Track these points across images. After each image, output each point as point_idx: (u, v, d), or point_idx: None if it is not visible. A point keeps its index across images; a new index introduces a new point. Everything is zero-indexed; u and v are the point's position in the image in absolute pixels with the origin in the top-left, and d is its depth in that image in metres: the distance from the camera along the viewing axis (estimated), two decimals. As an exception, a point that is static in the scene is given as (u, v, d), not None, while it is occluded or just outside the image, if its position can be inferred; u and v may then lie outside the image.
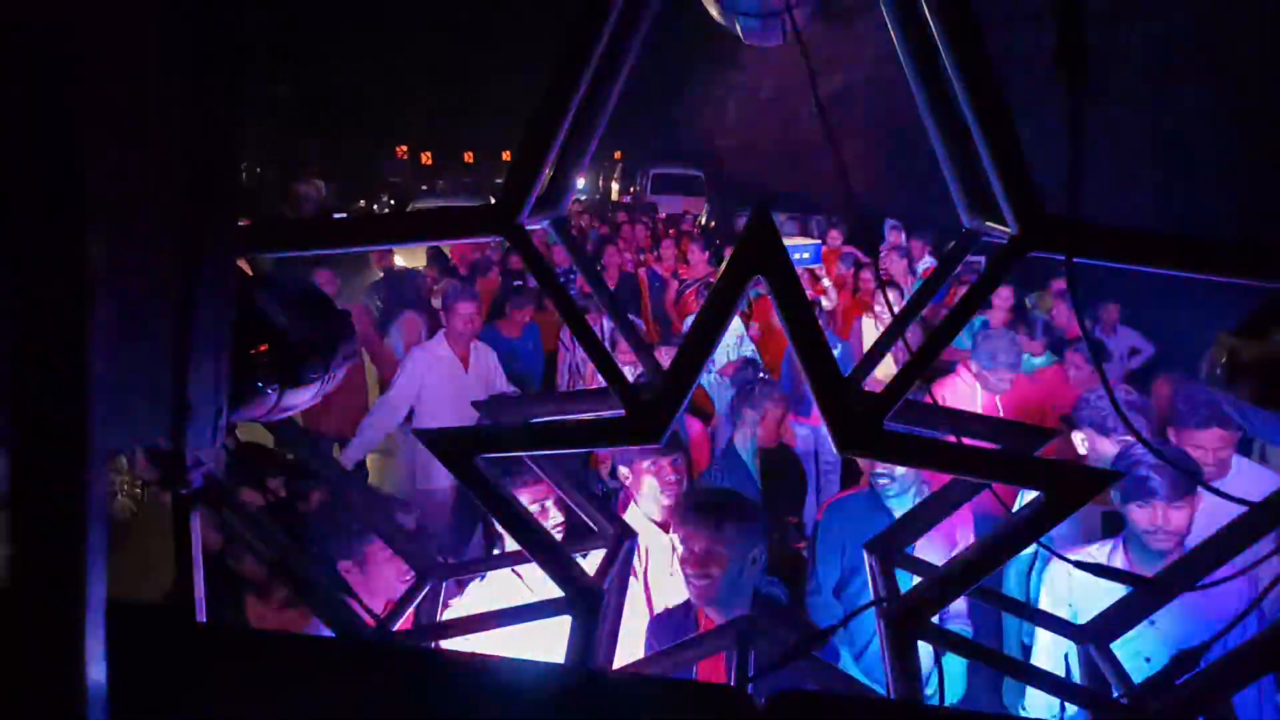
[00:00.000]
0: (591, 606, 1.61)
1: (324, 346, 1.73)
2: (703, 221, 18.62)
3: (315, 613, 1.72)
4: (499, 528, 2.19)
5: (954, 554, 2.46)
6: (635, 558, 2.89)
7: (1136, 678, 1.61)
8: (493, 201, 1.57)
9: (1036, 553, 3.54)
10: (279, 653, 1.44)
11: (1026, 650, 3.54)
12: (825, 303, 7.43)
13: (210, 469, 1.56)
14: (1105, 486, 1.51)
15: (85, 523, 0.73)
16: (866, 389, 1.80)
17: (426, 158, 35.59)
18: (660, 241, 10.88)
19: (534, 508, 2.90)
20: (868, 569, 1.89)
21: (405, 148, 34.09)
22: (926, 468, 1.53)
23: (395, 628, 1.86)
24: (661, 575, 3.23)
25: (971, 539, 3.58)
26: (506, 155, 33.75)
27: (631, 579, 2.86)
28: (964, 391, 5.03)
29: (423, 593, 1.95)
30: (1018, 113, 1.42)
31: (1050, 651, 2.79)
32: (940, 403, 2.25)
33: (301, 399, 1.73)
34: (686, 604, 2.66)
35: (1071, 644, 1.85)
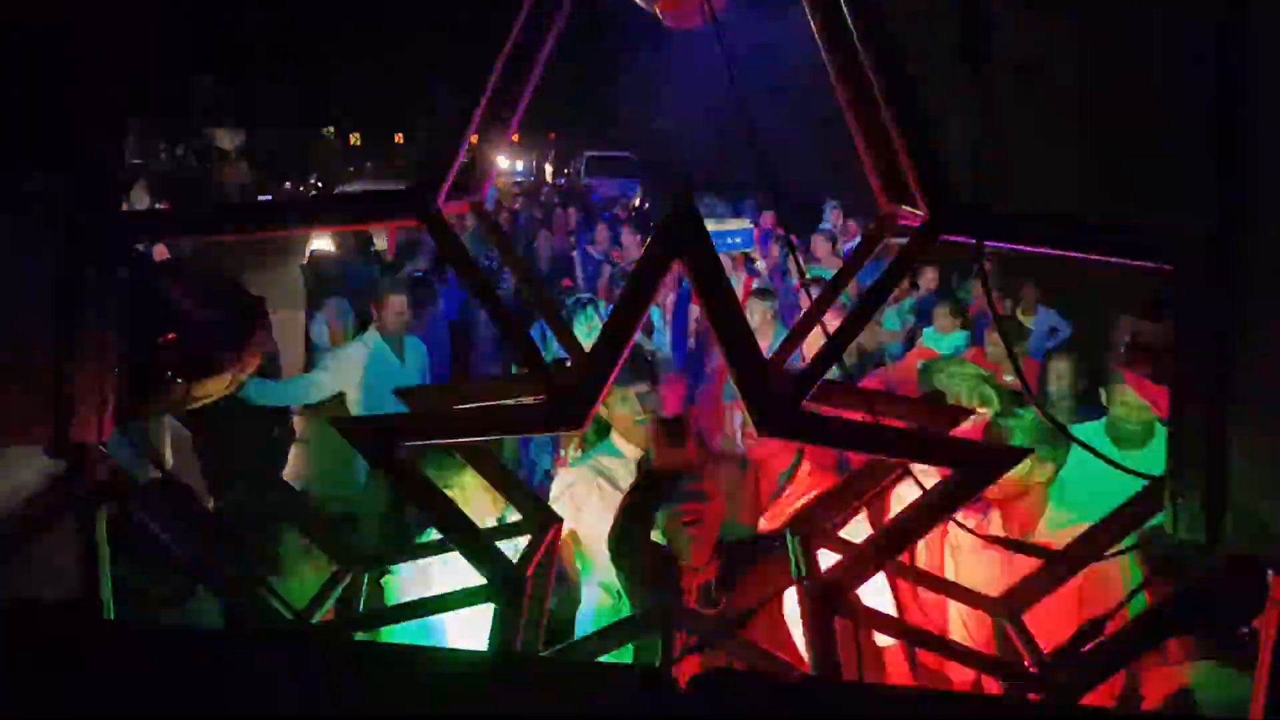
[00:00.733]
0: (515, 593, 1.61)
1: (235, 334, 1.68)
2: (636, 204, 18.60)
3: (233, 606, 1.68)
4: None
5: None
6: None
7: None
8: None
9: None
10: (194, 648, 1.40)
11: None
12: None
13: (116, 465, 1.51)
14: (1016, 463, 1.56)
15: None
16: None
17: (355, 139, 34.76)
18: (594, 225, 10.84)
19: None
20: (790, 548, 1.91)
21: (333, 129, 33.23)
22: (843, 448, 1.55)
23: (316, 620, 1.83)
24: None
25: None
26: (399, 138, 33.21)
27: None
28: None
29: (343, 584, 1.92)
30: (938, 101, 1.46)
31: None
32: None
33: (214, 388, 1.68)
34: None
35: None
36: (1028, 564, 1.89)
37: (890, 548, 1.62)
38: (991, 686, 1.85)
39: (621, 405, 3.06)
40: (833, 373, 1.63)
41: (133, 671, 1.20)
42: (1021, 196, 1.71)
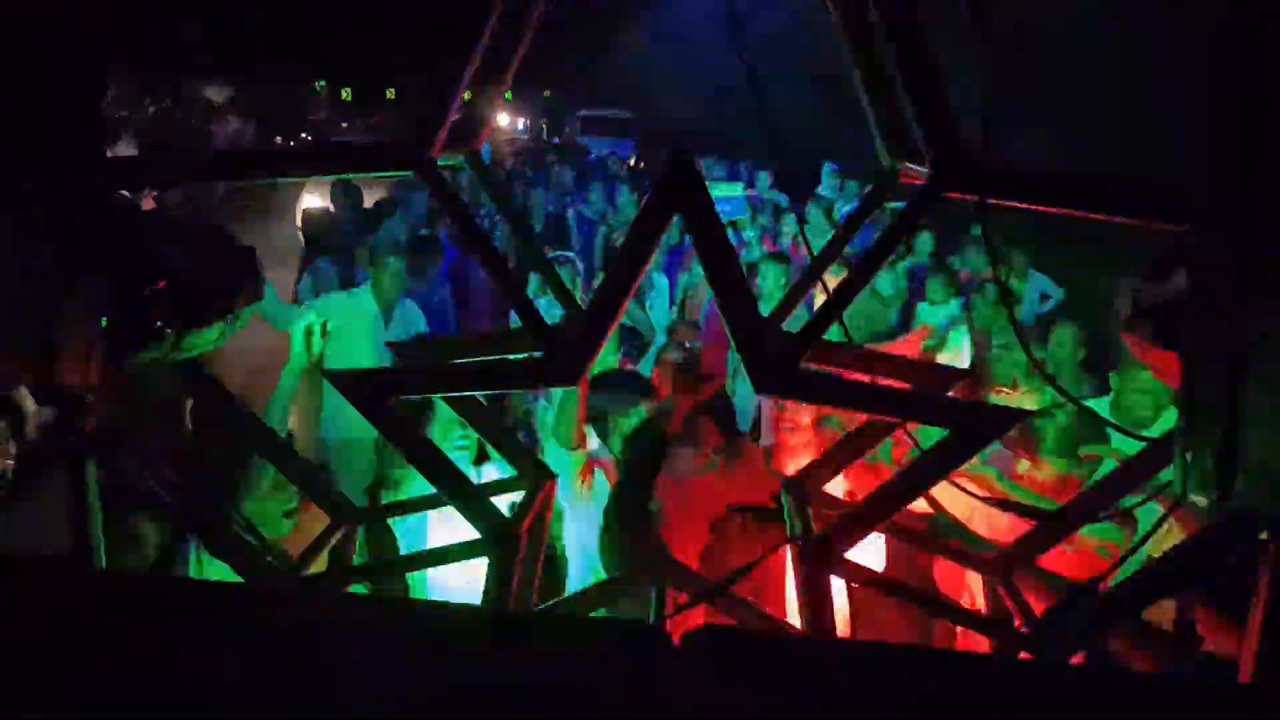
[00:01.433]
0: (508, 548, 1.61)
1: (226, 285, 1.65)
2: (631, 164, 18.45)
3: (224, 558, 1.67)
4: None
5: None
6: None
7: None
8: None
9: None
10: (185, 599, 1.40)
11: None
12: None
13: (104, 415, 1.50)
14: (1012, 425, 1.56)
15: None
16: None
17: (346, 94, 34.23)
18: (589, 185, 10.74)
19: None
20: (784, 506, 1.92)
21: (324, 83, 32.70)
22: (840, 407, 1.55)
23: (308, 572, 1.83)
24: None
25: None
26: (390, 94, 32.63)
27: None
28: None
29: (336, 537, 1.92)
30: (941, 65, 1.43)
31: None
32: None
33: (203, 340, 1.66)
34: None
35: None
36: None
37: (885, 508, 1.62)
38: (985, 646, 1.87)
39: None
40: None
41: (121, 624, 1.20)
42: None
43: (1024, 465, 2.92)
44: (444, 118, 1.46)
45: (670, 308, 6.41)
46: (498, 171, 12.10)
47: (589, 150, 18.71)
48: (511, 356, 1.76)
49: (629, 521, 2.25)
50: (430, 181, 1.49)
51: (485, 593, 1.62)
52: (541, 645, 1.25)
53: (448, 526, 2.26)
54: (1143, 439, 1.51)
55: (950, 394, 1.79)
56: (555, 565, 2.76)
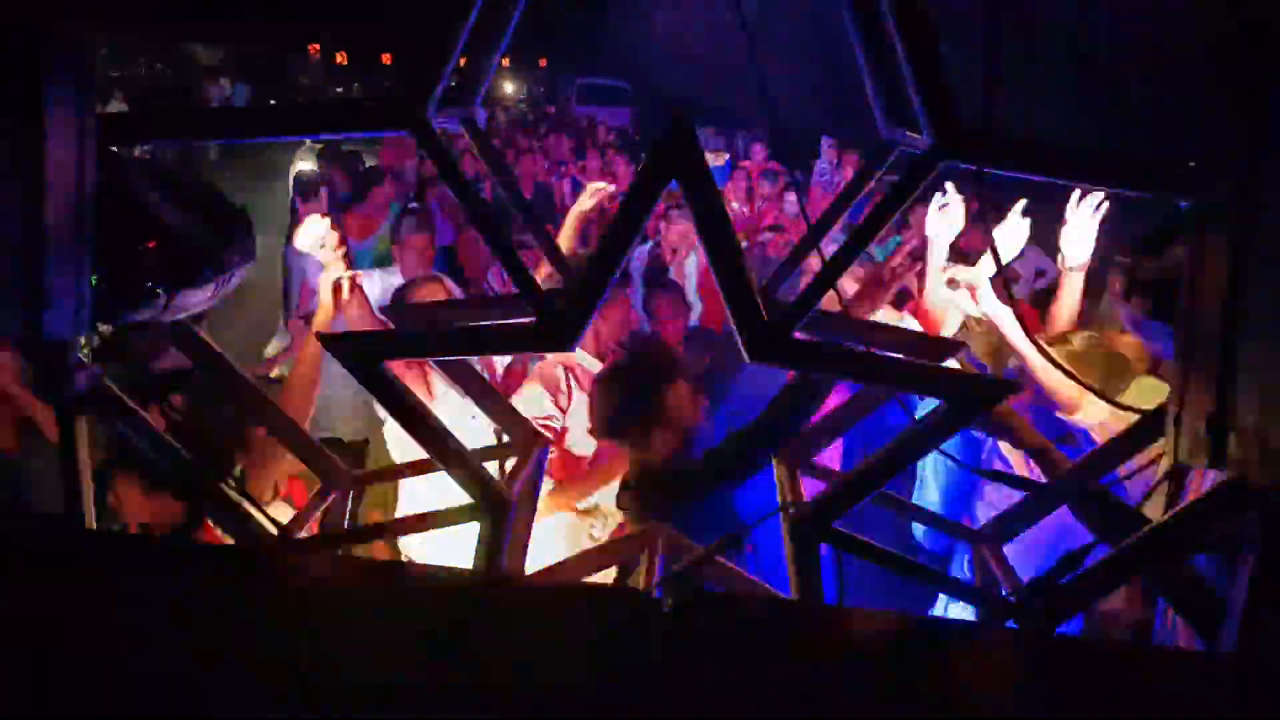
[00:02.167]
0: (500, 513, 1.61)
1: (218, 245, 1.64)
2: (629, 133, 18.34)
3: (215, 521, 1.67)
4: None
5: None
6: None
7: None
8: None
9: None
10: (176, 560, 1.40)
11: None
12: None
13: (96, 373, 1.49)
14: (1007, 395, 1.56)
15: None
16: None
17: (341, 57, 33.75)
18: (585, 153, 10.68)
19: None
20: (775, 476, 1.92)
21: (318, 46, 32.24)
22: (835, 375, 1.54)
23: (299, 536, 1.83)
24: None
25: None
26: (386, 58, 32.05)
27: None
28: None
29: (327, 501, 1.92)
30: (942, 33, 1.41)
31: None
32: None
33: (195, 300, 1.64)
34: None
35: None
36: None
37: (878, 477, 1.62)
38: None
39: None
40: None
41: (108, 584, 1.20)
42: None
43: None
44: (441, 74, 1.44)
45: None
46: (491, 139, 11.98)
47: (584, 119, 18.57)
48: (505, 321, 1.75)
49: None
50: (425, 143, 1.47)
51: (476, 558, 1.63)
52: (533, 610, 1.26)
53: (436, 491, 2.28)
54: (1127, 408, 1.51)
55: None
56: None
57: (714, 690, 1.06)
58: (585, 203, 3.38)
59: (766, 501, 1.88)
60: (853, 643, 1.29)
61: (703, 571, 1.79)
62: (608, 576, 1.98)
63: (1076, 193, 2.62)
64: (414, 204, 6.88)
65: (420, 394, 3.12)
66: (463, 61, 1.60)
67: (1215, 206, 0.95)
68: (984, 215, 1.42)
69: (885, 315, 3.52)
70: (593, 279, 1.51)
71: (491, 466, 1.93)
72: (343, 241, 2.23)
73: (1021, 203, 2.66)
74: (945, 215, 3.04)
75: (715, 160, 8.16)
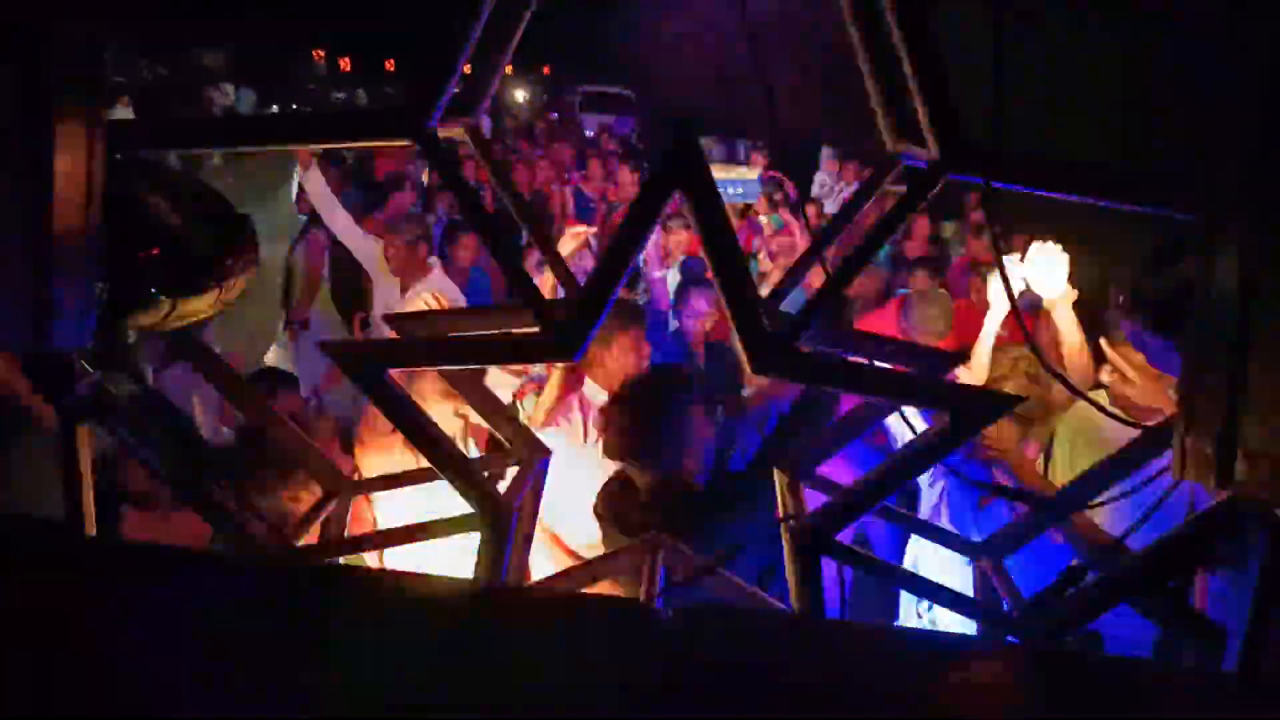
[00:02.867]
0: (501, 523, 1.60)
1: (221, 253, 1.64)
2: (632, 141, 18.37)
3: (215, 529, 1.67)
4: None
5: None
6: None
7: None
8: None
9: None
10: (177, 569, 1.40)
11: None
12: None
13: (97, 379, 1.49)
14: (1011, 409, 1.56)
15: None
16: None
17: (346, 64, 33.79)
18: (587, 161, 10.69)
19: None
20: (776, 488, 1.92)
21: (322, 52, 32.28)
22: (837, 388, 1.54)
23: (300, 544, 1.83)
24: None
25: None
26: (390, 64, 32.09)
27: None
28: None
29: (329, 509, 1.92)
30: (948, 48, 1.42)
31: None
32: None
33: (199, 307, 1.64)
34: None
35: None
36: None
37: (881, 490, 1.62)
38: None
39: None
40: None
41: (111, 591, 1.20)
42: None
43: None
44: (446, 84, 1.45)
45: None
46: (495, 149, 12.00)
47: (594, 127, 18.58)
48: (510, 331, 1.75)
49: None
50: (430, 153, 1.48)
51: (476, 568, 1.62)
52: (534, 621, 1.25)
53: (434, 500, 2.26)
54: (1135, 425, 1.51)
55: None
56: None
57: (716, 704, 1.05)
58: (566, 245, 3.36)
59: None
60: (855, 657, 1.28)
61: (704, 583, 1.79)
62: (609, 587, 1.98)
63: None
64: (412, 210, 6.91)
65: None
66: (467, 69, 1.61)
67: (1224, 222, 0.95)
68: (991, 230, 1.42)
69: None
70: (597, 289, 1.51)
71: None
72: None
73: (1053, 245, 2.64)
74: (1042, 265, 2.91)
75: (740, 175, 8.11)
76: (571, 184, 9.57)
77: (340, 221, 5.36)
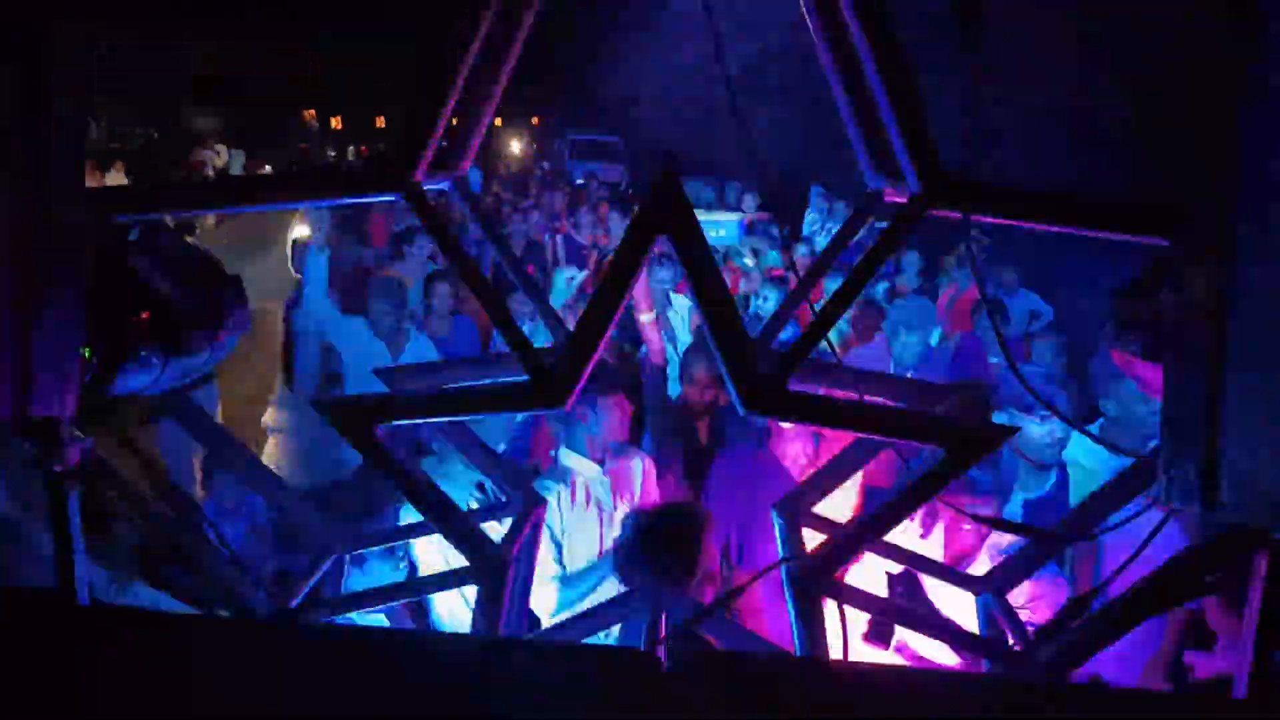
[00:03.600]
0: (498, 575, 1.59)
1: (212, 313, 1.65)
2: (621, 188, 18.55)
3: (207, 592, 1.65)
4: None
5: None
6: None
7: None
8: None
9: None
10: (171, 634, 1.38)
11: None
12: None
13: (88, 445, 1.48)
14: (1003, 441, 1.55)
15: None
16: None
17: (337, 122, 34.23)
18: (578, 210, 10.78)
19: None
20: (775, 528, 1.91)
21: (313, 111, 32.72)
22: (829, 427, 1.54)
23: (294, 604, 1.81)
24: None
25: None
26: (380, 121, 32.55)
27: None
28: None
29: (324, 568, 1.90)
30: (923, 85, 1.44)
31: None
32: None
33: (190, 367, 1.65)
34: None
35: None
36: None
37: (876, 528, 1.61)
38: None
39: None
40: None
41: (108, 659, 1.19)
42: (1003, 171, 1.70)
43: None
44: (429, 138, 1.46)
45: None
46: (484, 198, 12.13)
47: (584, 177, 18.77)
48: (500, 380, 1.75)
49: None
50: (416, 206, 1.49)
51: (474, 620, 1.61)
52: (534, 672, 1.24)
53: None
54: (1130, 454, 1.51)
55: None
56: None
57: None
58: None
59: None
60: (862, 697, 1.27)
61: (703, 628, 1.77)
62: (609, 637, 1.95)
63: None
64: (433, 267, 6.91)
65: None
66: (454, 122, 1.63)
67: (1196, 249, 0.96)
68: (971, 261, 1.43)
69: None
70: (585, 337, 1.51)
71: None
72: None
73: None
74: None
75: (724, 217, 8.20)
76: (562, 232, 9.64)
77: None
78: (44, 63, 0.88)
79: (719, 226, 7.76)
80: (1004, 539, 2.44)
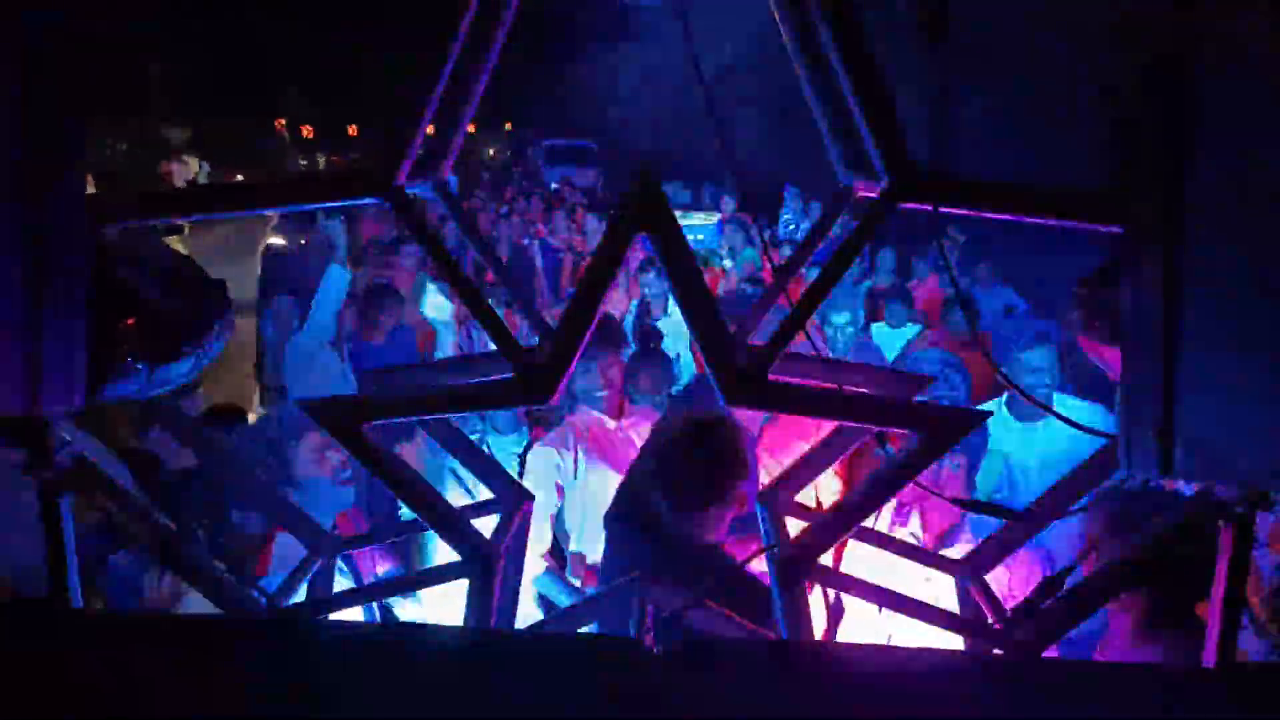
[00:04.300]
0: (488, 568, 1.62)
1: (197, 319, 1.66)
2: (596, 192, 18.59)
3: (202, 592, 1.67)
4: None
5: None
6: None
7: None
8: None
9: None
10: (166, 635, 1.40)
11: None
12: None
13: (78, 450, 1.49)
14: (977, 425, 1.60)
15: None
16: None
17: (308, 131, 34.01)
18: (553, 213, 10.81)
19: None
20: (759, 518, 1.95)
21: (283, 120, 32.51)
22: (809, 415, 1.58)
23: (288, 603, 1.82)
24: None
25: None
26: (353, 130, 32.49)
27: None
28: None
29: (315, 567, 1.91)
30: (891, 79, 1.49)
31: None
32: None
33: (175, 374, 1.66)
34: None
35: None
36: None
37: (856, 513, 1.66)
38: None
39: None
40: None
41: (106, 662, 1.20)
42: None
43: None
44: (411, 141, 1.49)
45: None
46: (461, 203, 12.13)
47: (558, 182, 18.79)
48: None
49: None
50: (399, 210, 1.52)
51: (466, 614, 1.63)
52: (526, 665, 1.27)
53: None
54: (1102, 434, 1.56)
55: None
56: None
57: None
58: None
59: None
60: (847, 678, 1.30)
61: (691, 616, 1.80)
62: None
63: None
64: (379, 281, 6.92)
65: None
66: (430, 129, 1.66)
67: (1146, 232, 1.01)
68: (940, 254, 1.48)
69: None
70: (569, 332, 1.54)
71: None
72: None
73: None
74: None
75: (701, 221, 8.32)
76: (539, 236, 9.67)
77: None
78: (44, 63, 0.90)
79: (696, 231, 7.84)
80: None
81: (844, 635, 2.04)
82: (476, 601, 1.60)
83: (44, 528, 1.48)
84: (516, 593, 1.86)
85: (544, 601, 3.17)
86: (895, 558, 2.04)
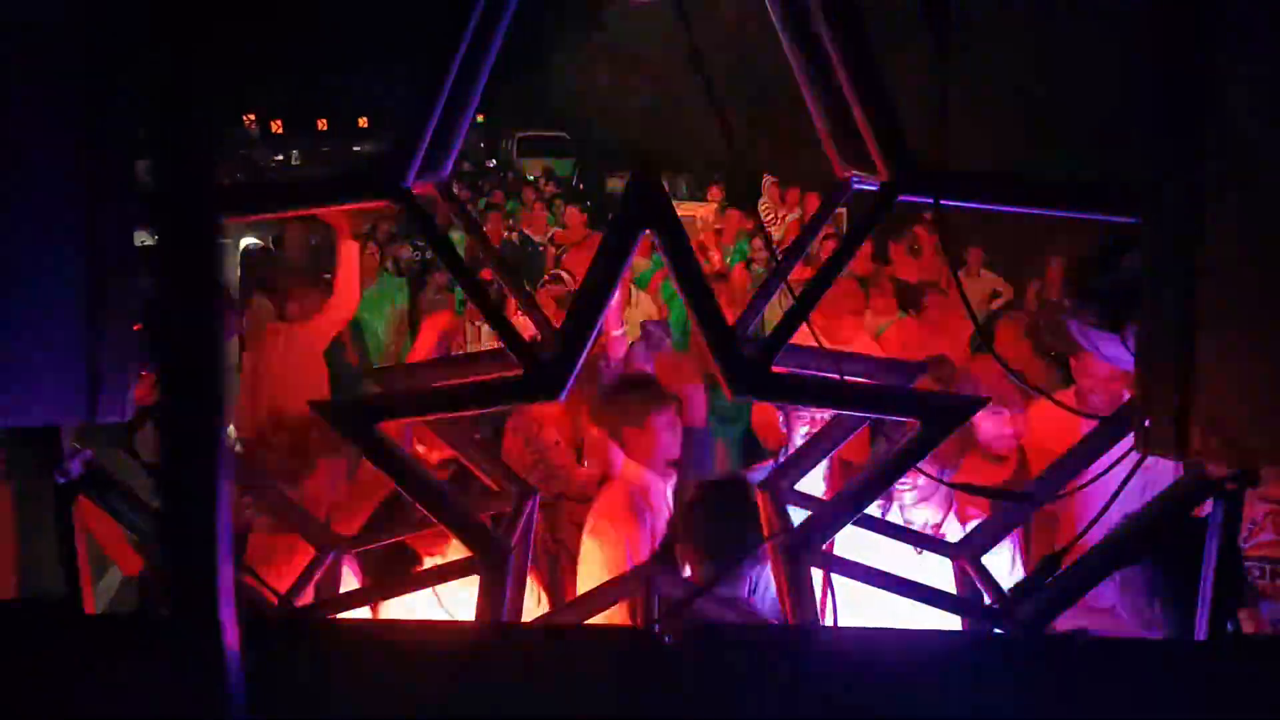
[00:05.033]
0: (499, 563, 1.64)
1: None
2: (572, 183, 18.53)
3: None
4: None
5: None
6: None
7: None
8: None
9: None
10: (179, 637, 1.40)
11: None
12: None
13: (90, 456, 1.50)
14: (975, 412, 1.64)
15: None
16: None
17: (277, 125, 33.61)
18: (531, 205, 10.78)
19: None
20: (761, 505, 1.98)
21: (253, 116, 32.09)
22: (812, 405, 1.61)
23: (298, 603, 1.83)
24: None
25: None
26: (363, 121, 32.20)
27: None
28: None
29: (323, 567, 1.93)
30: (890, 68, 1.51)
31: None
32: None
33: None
34: None
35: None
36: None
37: (861, 500, 1.69)
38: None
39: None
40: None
41: (119, 664, 1.20)
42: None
43: None
44: (419, 142, 1.50)
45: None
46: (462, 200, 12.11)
47: (535, 172, 18.72)
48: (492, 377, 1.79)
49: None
50: (409, 210, 1.53)
51: (478, 609, 1.65)
52: (539, 657, 1.29)
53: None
54: (1097, 418, 1.61)
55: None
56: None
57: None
58: None
59: None
60: (854, 662, 1.33)
61: (699, 604, 1.83)
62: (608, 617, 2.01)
63: None
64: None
65: None
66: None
67: (1164, 220, 1.05)
68: (943, 246, 1.51)
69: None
70: (575, 329, 1.56)
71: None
72: None
73: None
74: None
75: (689, 210, 8.35)
76: (522, 227, 9.66)
77: None
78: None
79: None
80: None
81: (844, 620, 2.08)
82: (489, 596, 1.62)
83: (56, 532, 1.49)
84: (524, 587, 1.88)
85: None
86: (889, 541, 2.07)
